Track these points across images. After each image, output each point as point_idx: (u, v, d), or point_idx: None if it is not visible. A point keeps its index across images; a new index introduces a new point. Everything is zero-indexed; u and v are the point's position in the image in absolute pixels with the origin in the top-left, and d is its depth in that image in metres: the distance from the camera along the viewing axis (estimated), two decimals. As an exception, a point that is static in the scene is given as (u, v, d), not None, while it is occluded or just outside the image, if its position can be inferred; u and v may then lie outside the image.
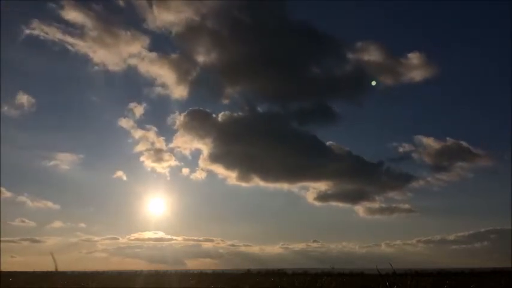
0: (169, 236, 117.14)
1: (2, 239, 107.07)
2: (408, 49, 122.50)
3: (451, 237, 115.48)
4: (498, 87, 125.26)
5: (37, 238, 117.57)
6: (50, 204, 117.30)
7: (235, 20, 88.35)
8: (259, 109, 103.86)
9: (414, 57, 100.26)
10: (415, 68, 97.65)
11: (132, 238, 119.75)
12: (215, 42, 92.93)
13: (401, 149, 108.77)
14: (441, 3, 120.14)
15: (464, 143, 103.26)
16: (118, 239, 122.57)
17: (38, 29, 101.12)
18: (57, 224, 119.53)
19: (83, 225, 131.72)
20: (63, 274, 33.87)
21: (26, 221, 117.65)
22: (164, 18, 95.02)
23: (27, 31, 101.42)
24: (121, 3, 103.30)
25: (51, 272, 26.23)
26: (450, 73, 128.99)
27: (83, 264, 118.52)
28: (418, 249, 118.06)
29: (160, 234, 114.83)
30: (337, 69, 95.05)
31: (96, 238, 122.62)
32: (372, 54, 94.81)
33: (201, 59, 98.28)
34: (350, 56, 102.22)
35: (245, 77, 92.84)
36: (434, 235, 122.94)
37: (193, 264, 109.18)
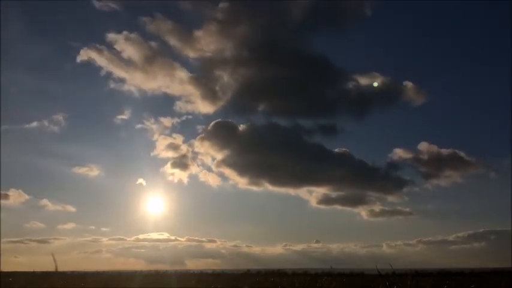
0: (173, 237, 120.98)
1: (11, 239, 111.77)
2: (404, 78, 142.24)
3: (450, 238, 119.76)
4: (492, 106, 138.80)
5: (46, 239, 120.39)
6: (68, 207, 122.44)
7: (258, 49, 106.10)
8: (275, 123, 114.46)
9: (409, 85, 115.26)
10: (410, 92, 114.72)
11: (138, 239, 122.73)
12: (240, 67, 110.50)
13: (401, 157, 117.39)
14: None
15: (460, 152, 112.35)
16: (124, 239, 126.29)
17: (99, 56, 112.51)
18: (70, 225, 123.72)
19: (92, 227, 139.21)
20: (63, 274, 33.89)
21: (38, 223, 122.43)
22: (199, 47, 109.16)
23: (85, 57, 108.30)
24: (169, 39, 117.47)
25: (50, 272, 26.26)
26: (440, 98, 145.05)
27: (88, 264, 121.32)
28: (419, 249, 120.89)
29: (166, 235, 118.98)
30: (344, 92, 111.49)
31: (103, 239, 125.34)
32: (373, 81, 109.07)
33: (228, 81, 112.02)
34: (354, 82, 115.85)
35: (264, 97, 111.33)
36: (434, 236, 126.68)
37: (195, 265, 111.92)
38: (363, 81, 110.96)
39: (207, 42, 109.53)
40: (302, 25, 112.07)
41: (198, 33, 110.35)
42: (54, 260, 8.98)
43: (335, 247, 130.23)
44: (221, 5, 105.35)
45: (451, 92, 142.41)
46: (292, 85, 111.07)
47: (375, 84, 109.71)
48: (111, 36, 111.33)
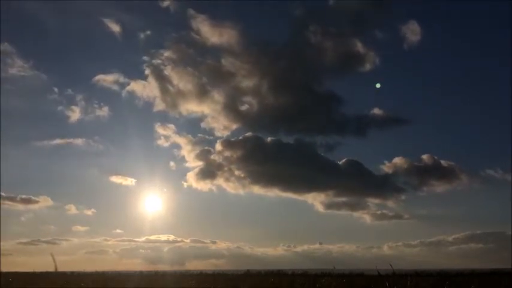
0: (179, 239, 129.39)
1: (21, 241, 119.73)
2: (404, 114, 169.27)
3: (450, 239, 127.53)
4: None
5: (54, 240, 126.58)
6: (88, 211, 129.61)
7: (279, 82, 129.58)
8: (293, 140, 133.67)
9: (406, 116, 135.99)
10: (406, 121, 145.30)
11: (144, 241, 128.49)
12: (264, 95, 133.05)
13: (399, 166, 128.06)
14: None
15: (454, 164, 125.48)
16: (131, 241, 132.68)
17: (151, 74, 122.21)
18: (84, 228, 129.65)
19: (105, 229, 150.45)
20: (63, 274, 33.89)
21: (52, 226, 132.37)
22: (233, 79, 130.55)
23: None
24: (207, 72, 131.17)
25: (50, 272, 26.30)
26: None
27: (92, 264, 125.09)
28: (419, 251, 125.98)
29: (172, 237, 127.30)
30: (350, 119, 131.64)
31: (111, 240, 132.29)
32: (375, 113, 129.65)
33: (255, 107, 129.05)
34: (357, 109, 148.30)
35: (282, 119, 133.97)
36: (434, 237, 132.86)
37: (197, 265, 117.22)
38: (365, 109, 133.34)
39: (241, 76, 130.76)
40: (316, 65, 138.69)
41: (233, 69, 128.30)
42: (54, 260, 9.06)
43: (337, 249, 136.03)
44: (251, 47, 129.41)
45: (450, 110, 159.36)
46: (305, 110, 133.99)
47: (377, 85, 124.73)
48: (165, 69, 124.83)
